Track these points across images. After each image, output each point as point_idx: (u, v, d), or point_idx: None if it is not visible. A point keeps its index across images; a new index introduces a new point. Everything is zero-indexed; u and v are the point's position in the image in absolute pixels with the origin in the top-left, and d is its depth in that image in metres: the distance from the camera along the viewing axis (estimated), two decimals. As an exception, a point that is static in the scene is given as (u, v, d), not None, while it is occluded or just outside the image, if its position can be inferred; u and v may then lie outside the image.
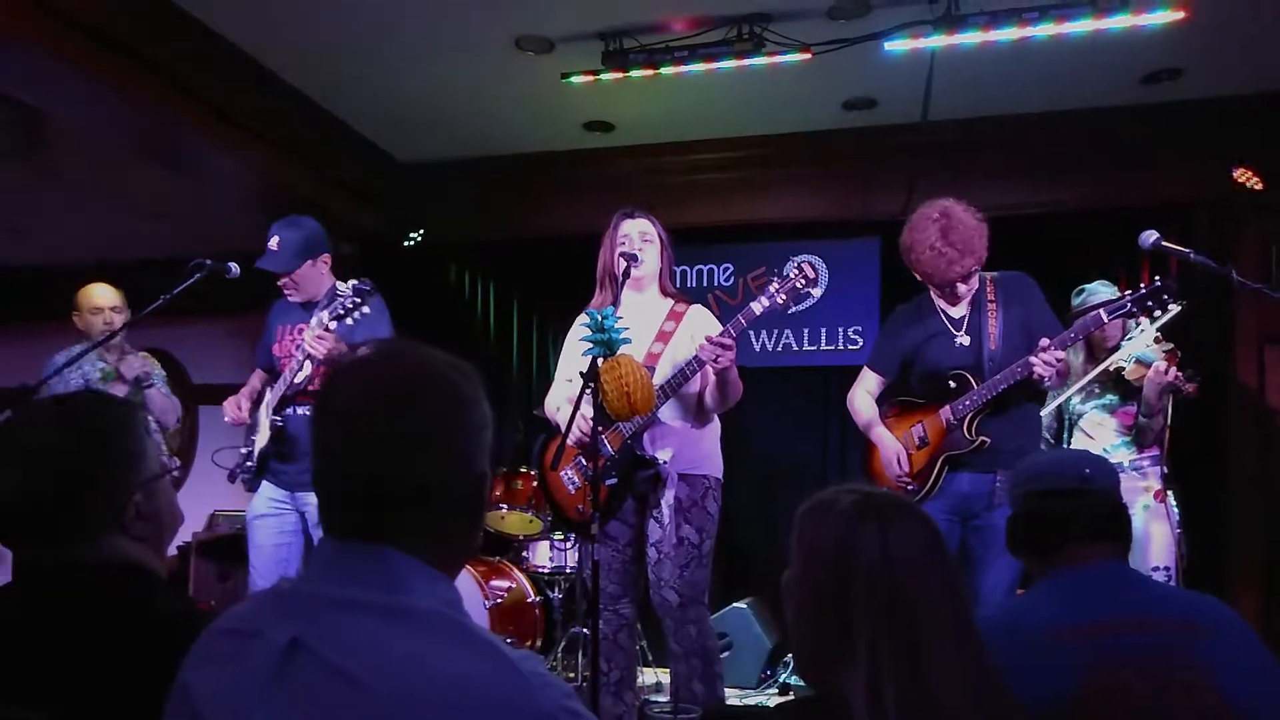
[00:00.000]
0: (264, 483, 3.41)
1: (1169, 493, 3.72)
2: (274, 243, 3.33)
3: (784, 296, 2.89)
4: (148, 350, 4.44)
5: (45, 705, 1.19)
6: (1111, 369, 3.69)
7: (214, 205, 5.49)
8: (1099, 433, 3.83)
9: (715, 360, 2.81)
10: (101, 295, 4.14)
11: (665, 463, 2.99)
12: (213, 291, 3.36)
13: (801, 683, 3.81)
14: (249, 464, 3.43)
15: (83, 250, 6.68)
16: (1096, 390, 3.81)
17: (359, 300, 3.12)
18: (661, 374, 2.99)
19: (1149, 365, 3.60)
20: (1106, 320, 2.94)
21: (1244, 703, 1.45)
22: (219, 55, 4.25)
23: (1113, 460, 3.66)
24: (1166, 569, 3.65)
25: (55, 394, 1.57)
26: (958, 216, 3.00)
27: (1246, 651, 1.54)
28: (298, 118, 4.86)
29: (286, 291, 3.42)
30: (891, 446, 3.18)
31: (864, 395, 3.34)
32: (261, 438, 3.40)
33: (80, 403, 1.47)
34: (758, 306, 2.90)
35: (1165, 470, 3.76)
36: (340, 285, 3.30)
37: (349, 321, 3.14)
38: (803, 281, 2.88)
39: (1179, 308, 3.29)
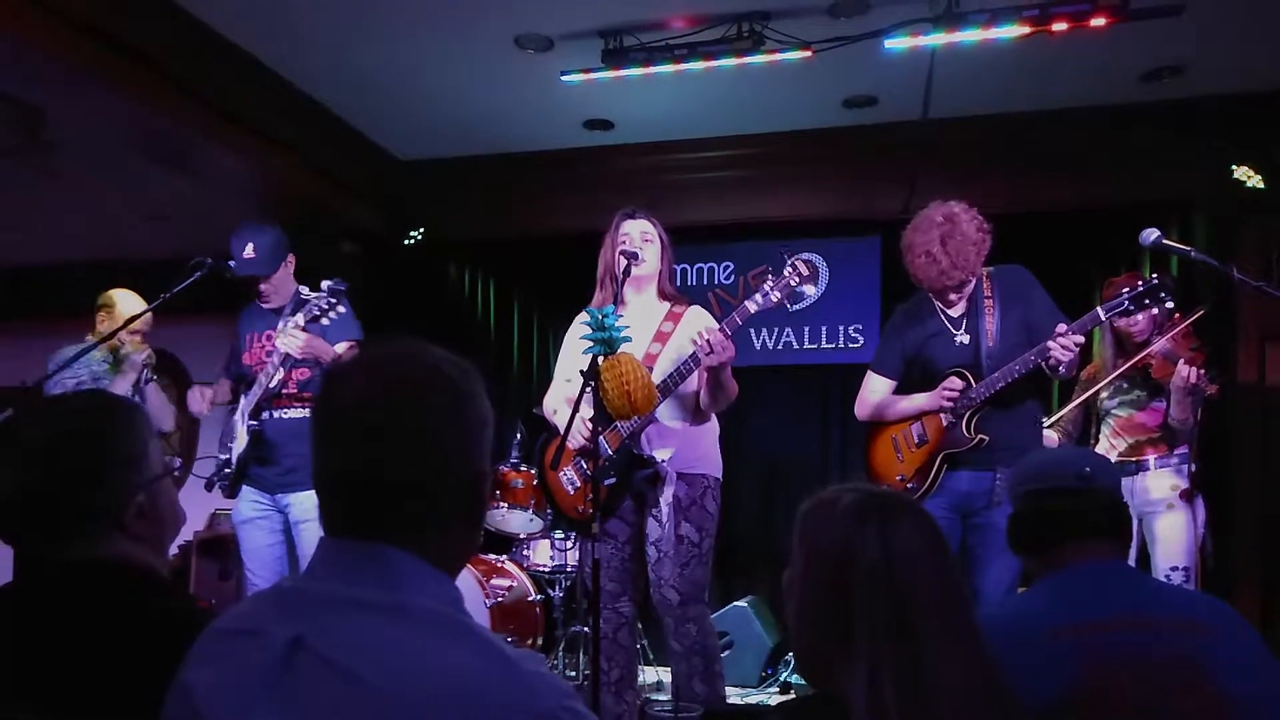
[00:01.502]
0: (244, 488, 3.42)
1: (1197, 493, 3.70)
2: (249, 249, 3.37)
3: (779, 295, 2.88)
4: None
5: (45, 704, 1.19)
6: (1140, 365, 3.66)
7: (214, 205, 5.48)
8: (1127, 428, 3.81)
9: (710, 354, 2.81)
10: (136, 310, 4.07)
11: (664, 462, 2.99)
12: (212, 291, 3.37)
13: (803, 681, 3.81)
14: (226, 471, 3.44)
15: (83, 250, 6.68)
16: (1124, 386, 3.79)
17: (334, 300, 3.16)
18: (660, 374, 3.00)
19: (1175, 363, 3.58)
20: (1104, 317, 2.94)
21: (1244, 701, 1.45)
22: (219, 55, 4.25)
23: (1142, 458, 3.65)
24: (1185, 569, 3.63)
25: (58, 393, 1.58)
26: (961, 226, 2.99)
27: (1247, 650, 1.54)
28: (298, 118, 4.86)
29: (265, 297, 3.45)
30: (933, 394, 3.09)
31: (878, 394, 3.31)
32: (239, 444, 3.41)
33: (83, 402, 1.47)
34: (752, 305, 2.90)
35: (1193, 469, 3.73)
36: (303, 288, 3.36)
37: (324, 322, 3.18)
38: (798, 279, 2.87)
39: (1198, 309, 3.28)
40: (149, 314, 3.87)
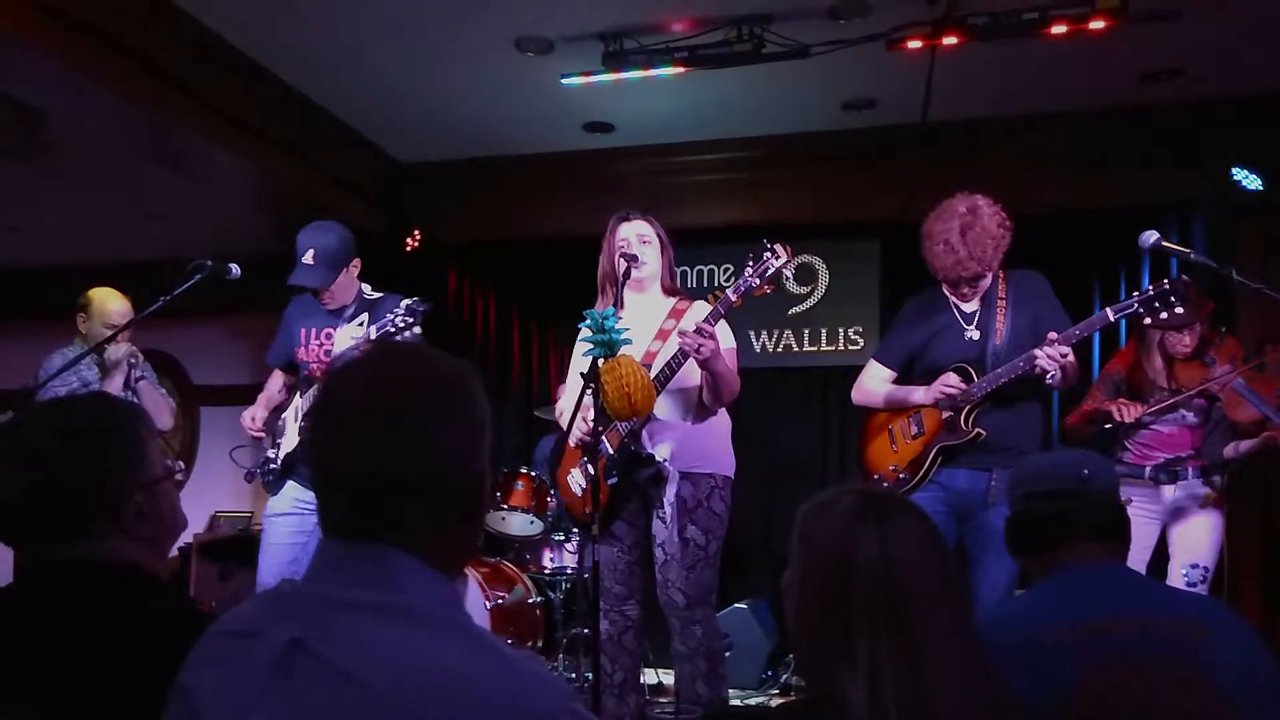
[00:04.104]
0: (289, 483, 3.38)
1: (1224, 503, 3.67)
2: (309, 256, 3.18)
3: (759, 279, 2.83)
4: (147, 351, 4.40)
5: (43, 704, 1.19)
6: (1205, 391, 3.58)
7: (214, 205, 5.49)
8: (1164, 444, 3.69)
9: (697, 350, 2.79)
10: (121, 309, 3.95)
11: (665, 460, 2.97)
12: (213, 292, 3.36)
13: (802, 683, 3.80)
14: (272, 467, 3.41)
15: (83, 250, 6.69)
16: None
17: (411, 320, 3.00)
18: (656, 370, 2.98)
19: (1266, 420, 3.52)
20: (1112, 319, 2.91)
21: (1243, 702, 1.45)
22: (219, 55, 4.25)
23: (1179, 468, 3.57)
24: (1205, 568, 3.59)
25: (59, 395, 1.58)
26: (982, 220, 2.99)
27: (1246, 651, 1.54)
28: (298, 118, 4.86)
29: (323, 302, 3.31)
30: (930, 389, 3.08)
31: (876, 381, 3.30)
32: (289, 441, 3.36)
33: (82, 404, 1.47)
34: (734, 294, 2.86)
35: (1223, 478, 3.69)
36: (365, 288, 3.27)
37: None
38: (777, 260, 2.82)
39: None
40: (128, 311, 3.78)
